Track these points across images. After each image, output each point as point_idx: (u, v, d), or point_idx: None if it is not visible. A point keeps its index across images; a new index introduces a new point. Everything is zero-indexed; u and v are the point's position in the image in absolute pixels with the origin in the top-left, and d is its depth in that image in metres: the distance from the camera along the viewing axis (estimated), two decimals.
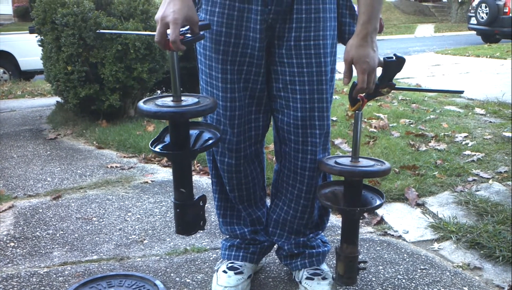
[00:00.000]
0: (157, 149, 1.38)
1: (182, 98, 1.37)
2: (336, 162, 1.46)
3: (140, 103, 1.33)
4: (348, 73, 1.39)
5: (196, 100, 1.36)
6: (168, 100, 1.35)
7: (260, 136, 1.62)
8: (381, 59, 1.39)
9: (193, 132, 1.45)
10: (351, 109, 1.45)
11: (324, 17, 1.45)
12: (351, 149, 3.17)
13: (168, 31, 1.27)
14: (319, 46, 1.46)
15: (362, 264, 1.57)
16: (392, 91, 1.47)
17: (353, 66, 1.38)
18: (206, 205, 2.49)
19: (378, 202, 1.49)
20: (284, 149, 1.60)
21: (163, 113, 1.30)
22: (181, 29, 1.30)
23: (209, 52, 1.48)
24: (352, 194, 1.48)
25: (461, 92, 1.54)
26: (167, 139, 1.41)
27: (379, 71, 1.40)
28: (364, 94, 1.42)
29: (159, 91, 5.42)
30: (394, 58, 1.39)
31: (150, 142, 1.41)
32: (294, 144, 1.55)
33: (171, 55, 1.32)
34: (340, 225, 2.24)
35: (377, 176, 1.54)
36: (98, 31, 1.92)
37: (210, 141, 1.41)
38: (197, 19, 1.34)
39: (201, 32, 1.38)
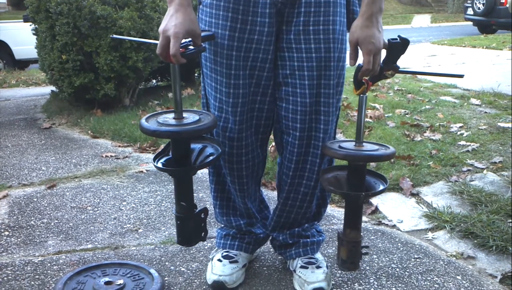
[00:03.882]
0: (159, 164, 1.42)
1: (184, 114, 1.40)
2: (340, 146, 1.44)
3: (142, 120, 1.37)
4: (354, 54, 1.37)
5: (197, 117, 1.40)
6: (169, 117, 1.39)
7: (262, 127, 1.59)
8: (385, 41, 1.37)
9: (197, 146, 1.48)
10: (355, 92, 1.42)
11: (334, 1, 1.43)
12: (347, 140, 3.17)
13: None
14: (328, 31, 1.43)
15: (365, 249, 1.56)
16: (396, 74, 1.44)
17: (358, 47, 1.36)
18: (202, 195, 2.50)
19: (381, 187, 1.47)
20: (287, 139, 1.57)
21: (161, 132, 1.34)
22: (184, 40, 1.33)
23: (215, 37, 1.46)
24: (356, 179, 1.46)
25: (461, 76, 1.52)
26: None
27: (383, 53, 1.38)
28: (368, 77, 1.40)
29: (154, 80, 5.40)
30: (398, 39, 1.37)
31: (154, 155, 1.46)
32: (299, 132, 1.52)
33: (172, 68, 1.35)
34: (335, 214, 2.25)
35: (382, 160, 1.53)
36: (111, 36, 1.94)
37: (211, 158, 1.44)
38: (199, 31, 1.36)
39: (203, 44, 1.41)
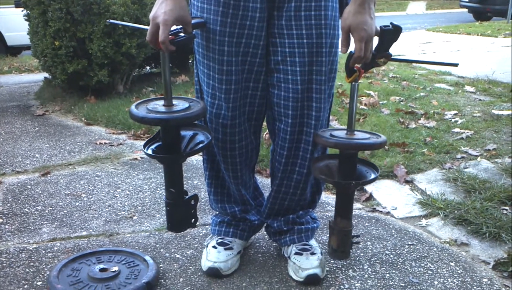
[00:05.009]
0: (149, 151, 1.43)
1: (174, 101, 1.41)
2: (331, 135, 1.44)
3: (132, 107, 1.37)
4: (346, 41, 1.36)
5: (186, 105, 1.39)
6: (159, 104, 1.39)
7: (255, 114, 1.58)
8: (378, 27, 1.36)
9: (188, 133, 1.49)
10: (347, 80, 1.42)
11: None
12: (341, 127, 3.17)
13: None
14: (320, 16, 1.42)
15: (356, 239, 1.57)
16: (388, 62, 1.43)
17: (350, 34, 1.35)
18: (196, 182, 2.50)
19: (372, 176, 1.48)
20: (279, 126, 1.56)
21: (149, 119, 1.34)
22: (175, 27, 1.33)
23: (206, 24, 1.45)
24: (347, 168, 1.46)
25: (456, 64, 1.51)
26: None
27: (375, 40, 1.37)
28: (360, 64, 1.39)
29: (148, 67, 5.36)
30: (390, 26, 1.35)
31: (145, 142, 1.46)
32: (291, 119, 1.51)
33: (162, 55, 1.34)
34: (330, 201, 2.25)
35: (373, 148, 1.53)
36: (108, 21, 1.94)
37: (200, 145, 1.45)
38: (190, 19, 1.36)
39: (194, 32, 1.41)
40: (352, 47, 1.36)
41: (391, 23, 1.36)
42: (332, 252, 1.54)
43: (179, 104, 1.39)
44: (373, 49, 1.38)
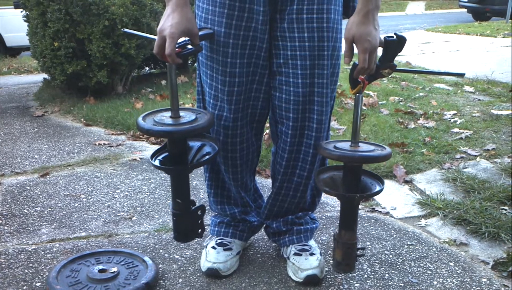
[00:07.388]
0: (156, 161, 1.44)
1: (181, 113, 1.41)
2: (335, 147, 1.42)
3: (139, 118, 1.39)
4: (349, 52, 1.35)
5: (193, 117, 1.40)
6: (166, 116, 1.40)
7: (257, 116, 1.58)
8: (382, 38, 1.34)
9: (195, 144, 1.49)
10: (351, 91, 1.39)
11: None
12: (341, 127, 3.18)
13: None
14: (322, 19, 1.41)
15: (361, 251, 1.53)
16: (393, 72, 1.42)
17: (354, 45, 1.34)
18: (195, 183, 2.49)
19: (378, 188, 1.44)
20: (280, 128, 1.56)
21: (154, 131, 1.36)
22: (183, 39, 1.34)
23: (210, 26, 1.45)
24: (351, 180, 1.44)
25: (462, 75, 1.49)
26: None
27: (379, 51, 1.36)
28: (365, 75, 1.37)
29: (147, 68, 5.37)
30: (394, 37, 1.33)
31: (152, 153, 1.47)
32: (292, 122, 1.51)
33: (169, 67, 1.35)
34: (329, 201, 2.25)
35: (377, 161, 1.49)
36: (123, 30, 1.96)
37: (207, 157, 1.45)
38: (197, 31, 1.36)
39: (202, 43, 1.42)
40: (355, 58, 1.36)
41: (395, 33, 1.34)
42: (337, 265, 1.51)
43: (186, 116, 1.39)
44: (377, 60, 1.36)
